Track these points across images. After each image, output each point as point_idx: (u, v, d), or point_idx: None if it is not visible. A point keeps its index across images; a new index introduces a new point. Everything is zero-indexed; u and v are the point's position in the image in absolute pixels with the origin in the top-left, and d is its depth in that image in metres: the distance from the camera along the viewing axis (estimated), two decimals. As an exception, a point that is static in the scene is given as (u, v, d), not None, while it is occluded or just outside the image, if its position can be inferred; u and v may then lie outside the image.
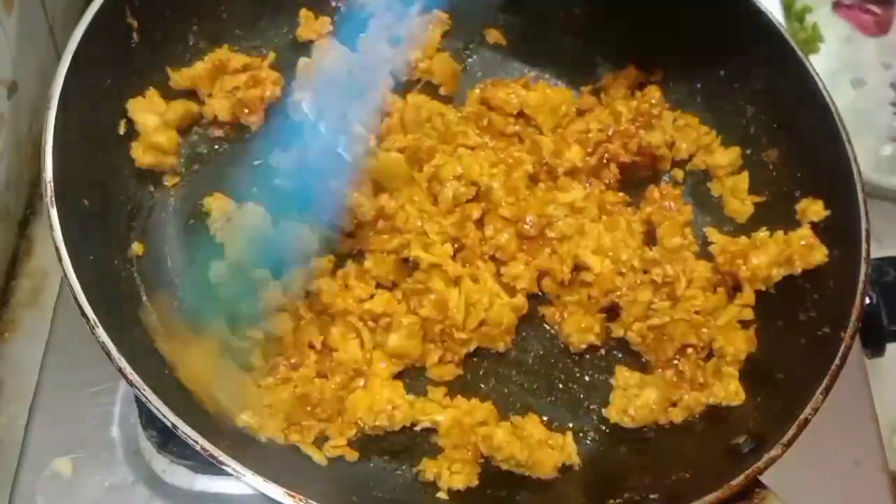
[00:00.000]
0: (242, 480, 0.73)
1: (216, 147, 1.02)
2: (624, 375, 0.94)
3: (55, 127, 0.83)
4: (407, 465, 0.88)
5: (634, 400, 0.91)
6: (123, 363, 0.75)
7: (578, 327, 0.95)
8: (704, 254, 0.99)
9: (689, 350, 0.94)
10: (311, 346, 0.90)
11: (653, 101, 1.07)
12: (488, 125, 1.03)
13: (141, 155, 0.95)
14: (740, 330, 0.94)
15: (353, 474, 0.86)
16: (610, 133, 1.03)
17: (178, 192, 0.98)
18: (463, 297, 0.91)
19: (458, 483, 0.85)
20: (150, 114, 0.96)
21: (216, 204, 0.95)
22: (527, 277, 0.95)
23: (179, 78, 1.00)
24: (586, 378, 0.96)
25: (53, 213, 0.80)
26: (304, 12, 1.09)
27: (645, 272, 0.96)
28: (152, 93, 0.97)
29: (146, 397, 0.74)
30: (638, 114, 1.05)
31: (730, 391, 0.91)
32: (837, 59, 1.37)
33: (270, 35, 1.08)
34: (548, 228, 0.96)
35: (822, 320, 0.90)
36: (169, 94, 0.99)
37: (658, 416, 0.91)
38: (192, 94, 1.02)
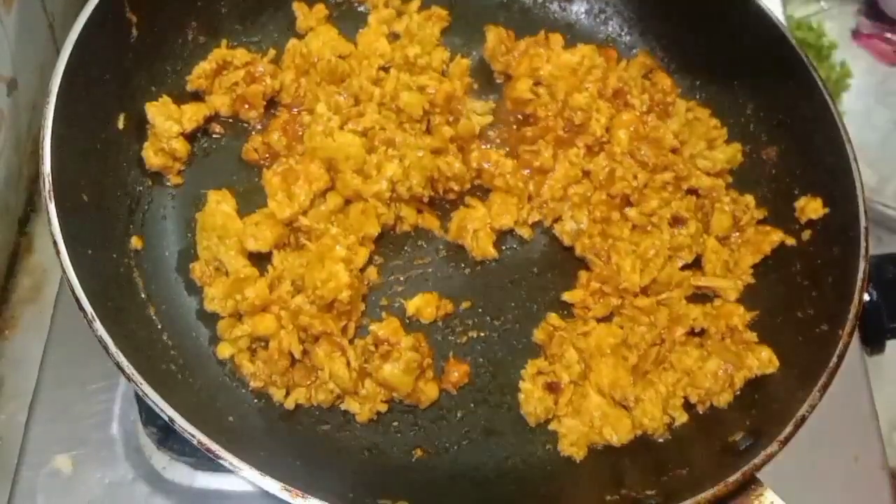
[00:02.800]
0: (239, 475, 0.73)
1: (215, 143, 1.02)
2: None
3: (54, 121, 0.83)
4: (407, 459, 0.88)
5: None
6: (121, 357, 0.75)
7: None
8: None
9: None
10: (291, 357, 0.88)
11: (665, 88, 1.07)
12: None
13: (152, 157, 0.95)
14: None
15: (350, 470, 0.86)
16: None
17: (178, 186, 0.98)
18: None
19: None
20: (169, 120, 0.96)
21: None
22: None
23: (194, 79, 1.00)
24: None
25: (52, 206, 0.80)
26: (297, 5, 1.09)
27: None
28: (165, 99, 0.97)
29: (143, 391, 0.74)
30: (653, 103, 1.05)
31: (763, 360, 0.90)
32: (872, 94, 1.36)
33: (270, 30, 1.09)
34: None
35: (821, 318, 0.90)
36: (166, 91, 0.99)
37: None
38: (195, 95, 1.02)
